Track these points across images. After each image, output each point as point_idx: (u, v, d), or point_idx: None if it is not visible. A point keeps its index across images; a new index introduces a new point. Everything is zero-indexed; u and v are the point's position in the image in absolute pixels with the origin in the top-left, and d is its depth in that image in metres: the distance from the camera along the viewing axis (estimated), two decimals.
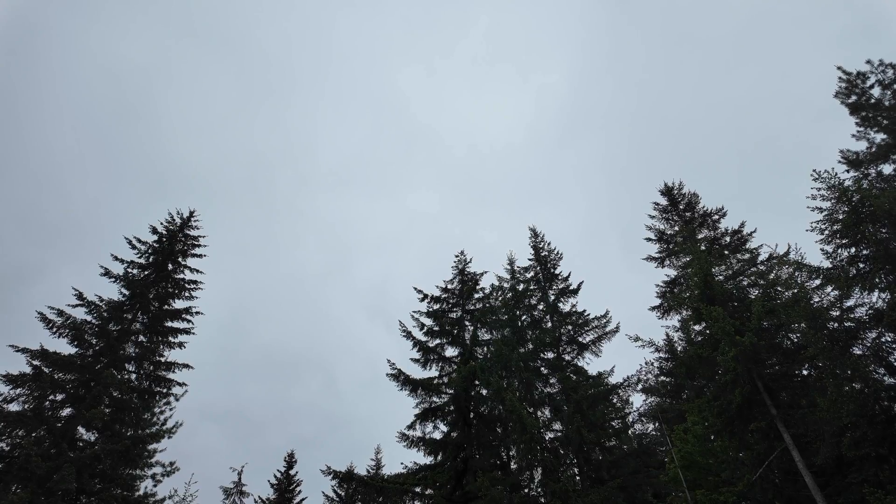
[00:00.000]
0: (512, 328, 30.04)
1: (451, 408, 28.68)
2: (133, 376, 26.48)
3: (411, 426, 28.45)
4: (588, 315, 30.76)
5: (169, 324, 28.24)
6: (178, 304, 29.17)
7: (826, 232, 24.05)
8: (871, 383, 19.80)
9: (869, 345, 21.85)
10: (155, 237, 29.93)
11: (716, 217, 31.38)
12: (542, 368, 29.83)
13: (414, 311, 31.64)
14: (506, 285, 33.12)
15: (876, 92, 20.81)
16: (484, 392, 28.52)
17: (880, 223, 22.59)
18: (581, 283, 32.02)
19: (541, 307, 32.17)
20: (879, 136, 20.78)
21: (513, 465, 26.90)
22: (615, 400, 27.88)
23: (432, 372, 30.49)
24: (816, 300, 23.56)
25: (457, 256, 34.17)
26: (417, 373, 30.01)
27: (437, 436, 28.44)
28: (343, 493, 31.28)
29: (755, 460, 22.29)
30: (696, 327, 26.42)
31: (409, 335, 30.71)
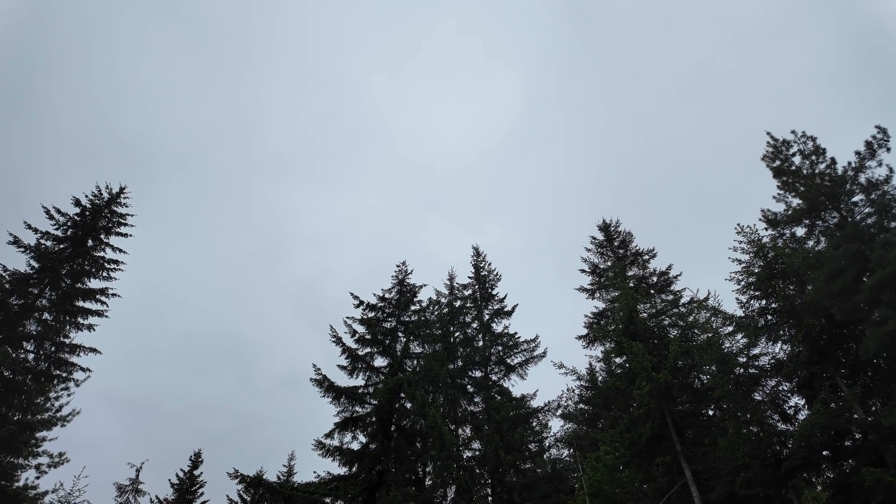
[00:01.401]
0: (444, 344, 30.18)
1: (374, 419, 28.29)
2: (31, 356, 24.41)
3: (329, 434, 27.79)
4: (519, 338, 31.46)
5: (80, 303, 26.32)
6: (94, 283, 27.28)
7: (742, 283, 25.91)
8: (766, 428, 21.32)
9: (768, 392, 23.60)
10: (77, 210, 27.96)
11: (646, 257, 33.09)
12: (469, 386, 30.11)
13: (347, 317, 31.16)
14: (443, 300, 33.35)
15: (797, 160, 22.80)
16: (408, 405, 28.36)
17: (789, 280, 24.58)
18: (516, 305, 32.77)
19: (475, 325, 32.57)
20: (796, 201, 22.74)
21: (428, 482, 26.81)
22: (535, 423, 28.48)
23: (358, 381, 30.05)
24: (727, 346, 25.19)
25: (398, 266, 34.09)
26: (343, 380, 29.49)
27: (356, 446, 27.92)
28: (249, 499, 29.97)
29: (657, 493, 23.38)
30: (617, 360, 27.53)
31: (339, 341, 30.15)
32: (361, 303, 32.17)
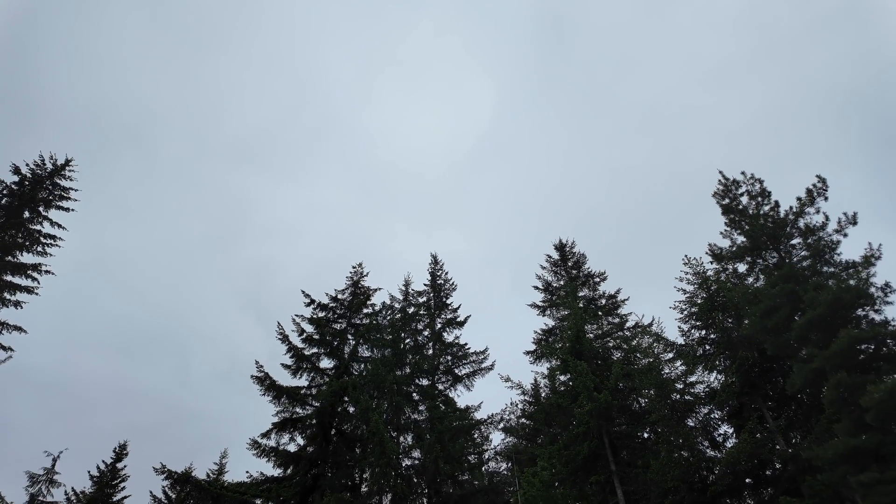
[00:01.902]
0: (394, 350, 29.94)
1: (314, 421, 27.70)
2: None
3: (266, 434, 27.01)
4: (469, 349, 31.58)
5: (9, 278, 24.68)
6: (27, 258, 25.66)
7: (685, 312, 27.00)
8: (696, 453, 22.18)
9: (700, 419, 24.61)
10: (16, 178, 26.28)
11: (597, 279, 33.99)
12: (415, 394, 29.94)
13: (296, 315, 30.49)
14: (397, 305, 33.12)
15: (744, 200, 24.02)
16: (351, 410, 27.94)
17: (728, 313, 25.79)
18: (468, 317, 32.90)
19: (426, 333, 32.49)
20: (740, 239, 23.91)
21: (364, 489, 26.42)
22: (476, 435, 28.59)
23: (302, 381, 29.39)
24: (666, 372, 26.15)
25: (354, 268, 33.68)
26: (286, 379, 28.78)
27: (293, 448, 27.23)
28: (174, 496, 28.66)
29: None
30: (562, 378, 28.07)
31: (285, 339, 29.43)
32: (312, 301, 31.57)
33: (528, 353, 31.85)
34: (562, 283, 34.51)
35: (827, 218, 21.17)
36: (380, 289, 33.03)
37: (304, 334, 30.17)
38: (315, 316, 31.11)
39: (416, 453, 27.61)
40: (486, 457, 29.95)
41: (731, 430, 23.99)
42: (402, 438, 28.11)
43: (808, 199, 21.49)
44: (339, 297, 32.31)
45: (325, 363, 30.20)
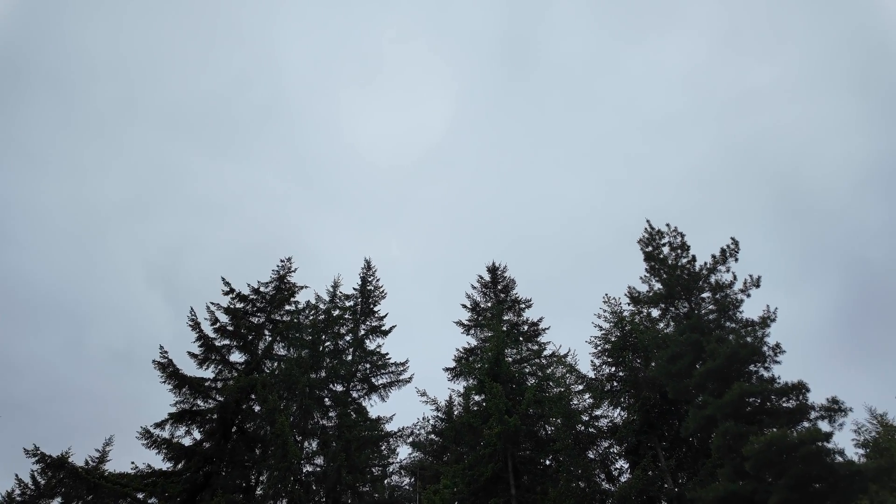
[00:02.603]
0: (312, 351, 29.11)
1: (215, 416, 26.30)
2: None
3: (161, 424, 25.33)
4: (389, 359, 31.25)
5: None
6: None
7: (599, 347, 28.22)
8: (592, 485, 23.06)
9: (601, 452, 25.67)
10: None
11: (523, 306, 34.87)
12: (327, 399, 29.21)
13: (212, 303, 28.98)
14: (322, 306, 32.29)
15: (665, 250, 25.56)
16: (257, 409, 26.81)
17: (638, 354, 27.20)
18: (394, 326, 32.61)
19: (348, 338, 31.85)
20: (657, 286, 25.40)
21: (259, 492, 25.32)
22: (384, 447, 28.23)
23: (208, 372, 27.87)
24: (575, 403, 27.13)
25: (282, 262, 32.51)
26: (191, 369, 27.18)
27: (188, 442, 25.70)
28: (43, 482, 26.15)
29: None
30: (476, 398, 28.41)
31: (196, 326, 27.85)
32: (232, 291, 30.15)
33: (447, 369, 32.01)
34: (489, 304, 35.09)
35: (735, 277, 22.95)
36: (306, 287, 32.10)
37: (218, 324, 28.71)
38: (232, 306, 29.71)
39: (320, 460, 26.87)
40: (391, 470, 29.64)
41: (626, 466, 25.18)
42: (306, 443, 27.27)
43: (721, 258, 23.22)
44: (262, 289, 31.07)
45: (237, 357, 28.86)
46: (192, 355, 27.77)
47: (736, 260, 23.10)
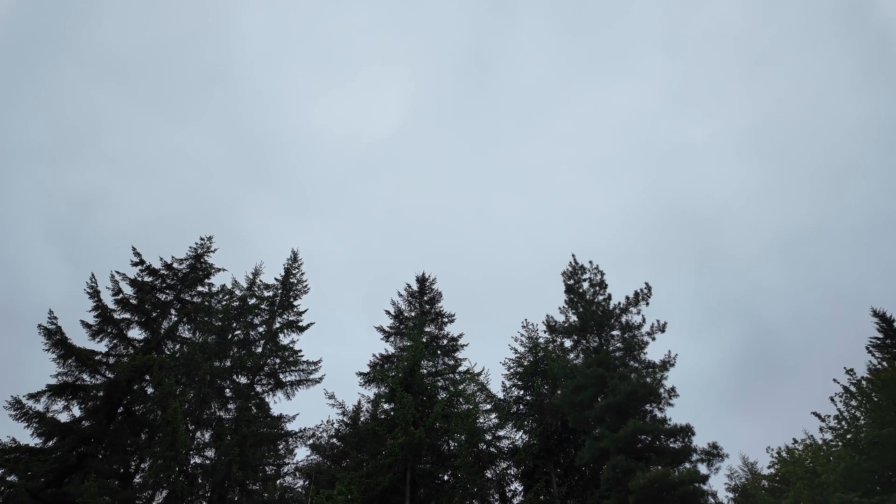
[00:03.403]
0: (219, 338, 27.71)
1: (101, 394, 24.36)
2: None
3: (37, 396, 23.20)
4: (302, 356, 30.30)
5: None
6: None
7: (511, 370, 28.90)
8: (485, 503, 23.41)
9: (498, 472, 26.17)
10: None
11: (446, 320, 35.08)
12: (228, 390, 27.85)
13: (117, 272, 26.96)
14: (238, 293, 30.85)
15: (585, 285, 26.77)
16: (150, 391, 25.11)
17: (547, 381, 28.10)
18: (312, 324, 31.73)
19: (261, 330, 30.62)
20: (574, 318, 26.53)
21: (137, 479, 23.64)
22: (281, 446, 27.28)
23: (101, 346, 25.87)
24: (481, 421, 27.53)
25: (202, 239, 30.75)
26: (81, 339, 25.12)
27: (65, 418, 23.64)
28: None
29: None
30: (386, 406, 28.12)
31: (95, 294, 25.78)
32: (142, 262, 28.20)
33: (360, 374, 31.46)
34: (413, 314, 35.01)
35: (644, 320, 24.40)
36: (224, 270, 30.52)
37: (121, 295, 26.74)
38: (140, 279, 27.78)
39: (211, 453, 25.55)
40: (286, 470, 28.66)
41: (521, 489, 25.81)
42: (199, 434, 25.85)
43: (634, 300, 24.62)
44: (175, 266, 29.26)
45: (136, 333, 26.99)
46: (86, 325, 25.67)
47: (647, 304, 24.57)
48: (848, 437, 19.00)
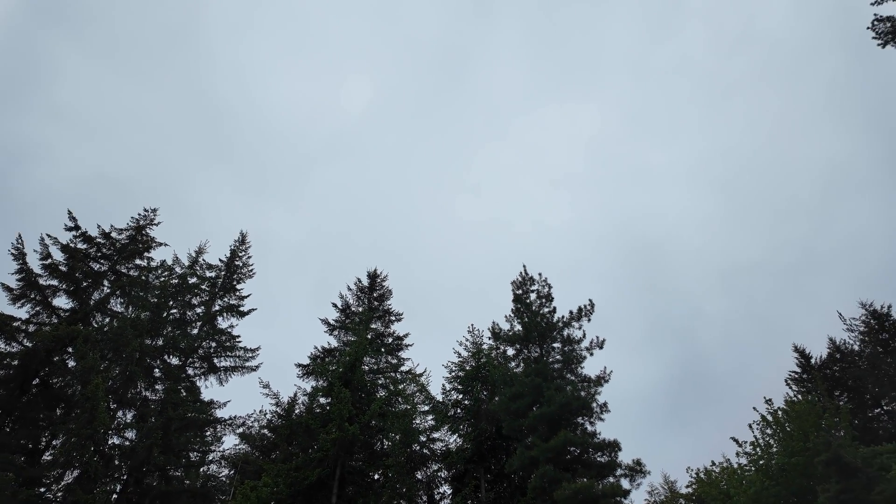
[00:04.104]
0: (154, 315, 26.52)
1: (16, 363, 22.79)
2: None
3: None
4: (239, 342, 29.40)
5: None
6: None
7: (453, 373, 29.03)
8: None
9: (429, 474, 26.20)
10: None
11: (394, 318, 34.89)
12: (157, 370, 26.69)
13: (48, 235, 25.37)
14: (178, 270, 29.64)
15: (533, 297, 27.37)
16: (72, 364, 23.71)
17: (486, 387, 28.39)
18: (253, 310, 30.84)
19: (199, 311, 29.53)
20: (518, 327, 26.96)
21: (47, 456, 22.25)
22: (209, 433, 26.34)
23: (22, 311, 24.27)
24: (418, 422, 27.50)
25: (145, 210, 29.25)
26: (1, 303, 23.51)
27: None
28: None
29: None
30: (322, 400, 27.69)
31: (20, 256, 24.16)
32: (77, 228, 26.62)
33: (299, 365, 30.84)
34: (361, 309, 34.60)
35: (584, 335, 25.07)
36: (166, 245, 29.18)
37: (50, 260, 25.18)
38: (72, 245, 26.22)
39: (132, 434, 24.38)
40: (211, 458, 27.65)
41: (449, 491, 25.92)
42: (120, 413, 24.63)
43: (577, 315, 25.26)
44: (114, 235, 27.77)
45: (63, 302, 25.44)
46: (6, 288, 24.07)
47: (589, 320, 25.26)
48: (760, 462, 20.14)
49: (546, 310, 26.04)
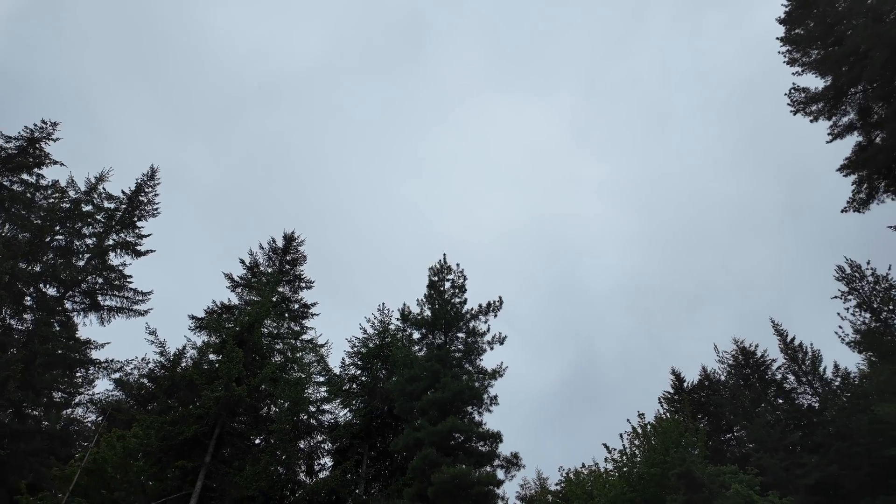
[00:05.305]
0: (34, 237, 23.98)
1: None
2: None
3: None
4: (131, 283, 27.38)
5: None
6: None
7: (355, 349, 28.84)
8: (290, 473, 23.02)
9: (312, 444, 25.92)
10: None
11: (304, 285, 33.93)
12: (30, 299, 24.21)
13: None
14: (72, 194, 27.03)
15: (447, 285, 27.65)
16: None
17: (386, 366, 28.49)
18: (151, 251, 28.82)
19: (90, 242, 27.13)
20: (428, 312, 27.48)
21: None
22: (80, 374, 24.34)
23: None
24: (310, 391, 27.06)
25: (44, 122, 25.97)
26: None
27: None
28: None
29: (157, 493, 22.14)
30: (213, 356, 26.43)
31: None
32: None
33: (193, 317, 29.19)
34: (270, 270, 33.34)
35: (489, 329, 25.81)
36: (62, 164, 26.39)
37: None
38: None
39: None
40: (78, 401, 25.56)
41: (330, 464, 25.81)
42: None
43: (486, 309, 25.96)
44: (1, 142, 24.76)
45: None
46: None
47: (496, 315, 26.03)
48: (624, 469, 21.89)
49: (458, 300, 26.49)
